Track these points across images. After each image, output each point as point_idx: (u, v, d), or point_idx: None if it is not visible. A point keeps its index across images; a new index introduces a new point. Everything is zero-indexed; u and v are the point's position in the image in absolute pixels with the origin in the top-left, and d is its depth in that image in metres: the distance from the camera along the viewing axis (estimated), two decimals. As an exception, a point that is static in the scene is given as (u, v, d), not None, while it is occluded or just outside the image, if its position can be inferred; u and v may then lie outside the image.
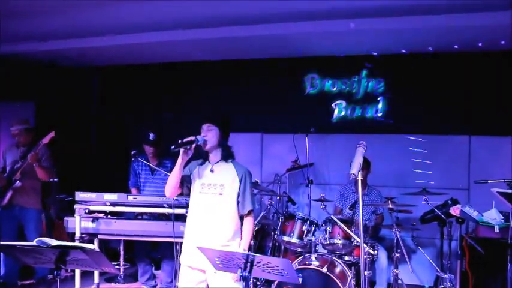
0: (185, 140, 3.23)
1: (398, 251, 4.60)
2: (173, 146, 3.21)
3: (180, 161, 3.28)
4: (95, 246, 2.79)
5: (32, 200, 5.61)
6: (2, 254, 5.47)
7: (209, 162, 3.45)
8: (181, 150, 3.24)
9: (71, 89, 7.48)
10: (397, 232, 4.56)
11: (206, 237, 3.32)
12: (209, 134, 3.34)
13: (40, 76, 7.24)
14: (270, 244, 5.69)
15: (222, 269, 2.85)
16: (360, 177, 3.00)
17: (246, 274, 2.67)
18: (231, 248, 3.34)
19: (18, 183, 5.42)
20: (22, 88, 7.14)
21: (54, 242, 2.79)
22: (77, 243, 2.82)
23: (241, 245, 3.39)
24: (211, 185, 3.38)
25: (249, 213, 3.45)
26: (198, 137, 3.30)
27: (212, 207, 3.36)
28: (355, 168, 3.00)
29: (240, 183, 3.42)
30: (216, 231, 3.34)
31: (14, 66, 6.93)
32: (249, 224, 3.46)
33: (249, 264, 2.66)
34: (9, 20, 5.71)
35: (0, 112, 7.09)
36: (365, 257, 4.43)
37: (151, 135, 5.31)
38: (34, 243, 2.80)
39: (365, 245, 4.48)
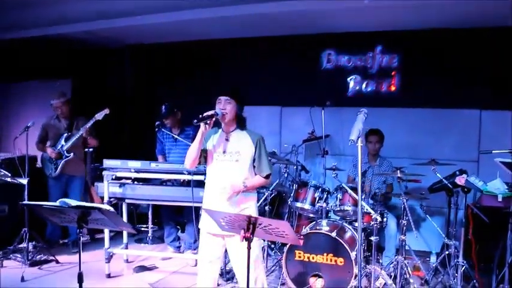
0: (206, 114, 3.19)
1: (406, 218, 4.48)
2: (195, 120, 3.18)
3: (200, 135, 3.25)
4: (110, 207, 2.76)
5: (78, 168, 5.78)
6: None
7: (223, 131, 3.42)
8: (202, 124, 3.20)
9: (105, 66, 7.51)
10: (405, 200, 4.43)
11: (224, 203, 3.30)
12: (228, 107, 3.31)
13: (77, 55, 7.29)
14: (287, 210, 5.64)
15: (227, 229, 2.83)
16: (359, 144, 2.89)
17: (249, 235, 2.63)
18: (246, 212, 3.31)
19: (71, 155, 5.55)
20: (60, 67, 7.23)
21: (74, 203, 2.82)
22: (94, 204, 2.82)
23: (246, 182, 3.35)
24: (227, 152, 3.36)
25: (267, 177, 3.44)
26: (217, 110, 3.28)
27: (229, 174, 3.33)
28: (355, 134, 2.92)
29: (255, 149, 3.40)
30: (232, 202, 3.33)
31: (53, 47, 7.00)
32: (263, 180, 3.44)
33: (251, 225, 2.62)
34: (46, 4, 5.77)
35: (41, 89, 7.22)
36: (374, 223, 4.33)
37: (162, 109, 5.31)
38: (57, 203, 2.83)
39: (374, 212, 4.37)
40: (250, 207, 3.41)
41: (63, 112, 5.66)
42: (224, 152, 3.36)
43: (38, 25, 6.59)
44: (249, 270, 3.08)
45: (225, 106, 3.29)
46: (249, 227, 2.62)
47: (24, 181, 4.45)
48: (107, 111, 5.35)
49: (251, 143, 3.39)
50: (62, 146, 5.57)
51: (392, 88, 6.18)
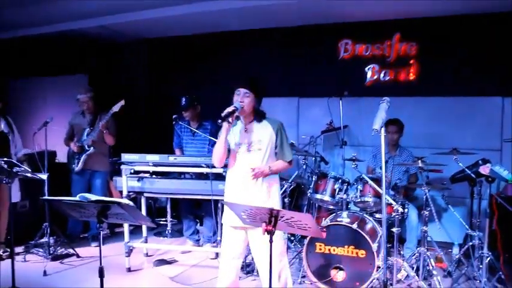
0: (227, 111, 3.14)
1: (428, 209, 4.38)
2: (219, 121, 3.14)
3: (225, 132, 3.20)
4: (130, 201, 2.73)
5: (101, 163, 5.77)
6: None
7: (242, 122, 3.36)
8: (226, 122, 3.15)
9: (120, 60, 7.49)
10: (427, 191, 4.33)
11: (248, 195, 3.25)
12: (246, 100, 3.24)
13: (92, 50, 7.29)
14: (306, 202, 5.58)
15: (248, 223, 2.77)
16: (382, 133, 2.81)
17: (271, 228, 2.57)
18: (269, 204, 3.25)
19: (92, 149, 5.55)
20: (77, 62, 7.23)
21: (94, 197, 2.79)
22: (113, 198, 2.79)
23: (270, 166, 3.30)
24: (249, 143, 3.30)
25: (290, 162, 3.42)
26: (235, 104, 3.21)
27: (252, 164, 3.26)
28: (378, 123, 2.84)
29: (277, 136, 3.35)
30: (257, 187, 3.27)
31: (69, 43, 7.00)
32: (286, 164, 3.40)
33: (273, 218, 2.56)
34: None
35: (58, 84, 7.24)
36: (395, 214, 4.25)
37: (182, 101, 5.27)
38: (77, 198, 2.81)
39: (396, 203, 4.28)
40: (274, 191, 3.36)
41: (89, 107, 5.67)
42: (246, 143, 3.30)
43: (54, 21, 6.61)
44: (272, 263, 3.06)
45: (243, 99, 3.22)
46: (271, 220, 2.56)
47: (44, 176, 4.45)
48: (122, 102, 5.33)
49: (272, 131, 3.33)
50: (84, 140, 5.58)
51: (411, 77, 6.05)
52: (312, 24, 6.38)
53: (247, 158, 3.30)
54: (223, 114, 3.13)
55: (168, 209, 6.29)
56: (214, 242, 5.29)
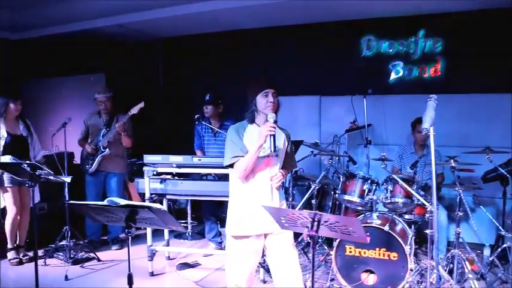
0: (272, 125, 2.90)
1: (461, 209, 4.23)
2: (275, 148, 2.94)
3: (259, 147, 2.92)
4: (162, 205, 2.61)
5: (116, 165, 5.66)
6: (86, 217, 5.54)
7: (257, 124, 3.08)
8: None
9: (139, 59, 7.40)
10: (461, 191, 4.18)
11: (267, 199, 3.05)
12: (275, 101, 3.02)
13: (110, 50, 7.21)
14: (330, 203, 5.44)
15: (287, 228, 2.63)
16: (432, 132, 2.67)
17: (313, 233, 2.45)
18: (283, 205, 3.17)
19: (107, 151, 5.44)
20: (94, 62, 7.16)
21: (122, 202, 2.68)
22: (144, 203, 2.67)
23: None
24: (268, 148, 3.00)
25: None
26: (271, 115, 2.95)
27: (269, 169, 3.07)
28: (428, 122, 2.68)
29: (288, 143, 3.19)
30: (274, 192, 3.09)
31: (87, 42, 6.92)
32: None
33: (315, 223, 2.43)
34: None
35: (76, 84, 7.17)
36: (428, 216, 4.09)
37: (208, 95, 5.19)
38: (105, 202, 2.70)
39: (428, 204, 4.13)
40: (283, 200, 3.22)
41: (106, 107, 5.56)
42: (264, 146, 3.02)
43: (71, 20, 6.55)
44: (296, 267, 3.07)
45: (274, 100, 3.00)
46: (313, 224, 2.43)
47: (67, 179, 4.35)
48: (141, 105, 5.21)
49: (284, 138, 3.18)
50: (99, 141, 5.48)
51: (437, 74, 5.88)
52: (333, 21, 6.23)
53: (265, 164, 3.06)
54: (269, 130, 2.88)
55: (189, 211, 6.18)
56: (237, 245, 5.16)
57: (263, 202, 2.98)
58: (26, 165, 3.67)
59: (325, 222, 2.39)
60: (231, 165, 3.04)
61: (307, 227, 2.45)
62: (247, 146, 3.01)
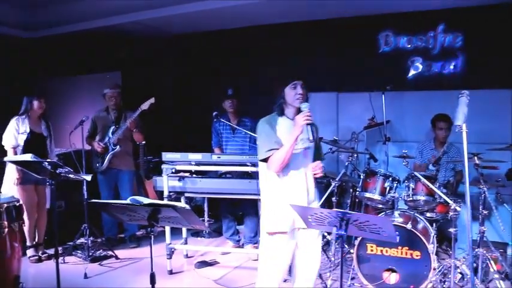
0: (309, 116, 2.85)
1: (486, 207, 4.15)
2: (313, 137, 2.90)
3: (296, 138, 2.86)
4: (186, 204, 2.58)
5: (127, 162, 5.63)
6: (102, 215, 5.54)
7: (287, 117, 3.04)
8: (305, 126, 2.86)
9: (155, 57, 7.37)
10: (485, 189, 4.11)
11: (302, 194, 2.99)
12: (304, 92, 2.97)
13: (126, 47, 7.19)
14: (348, 201, 5.38)
15: (314, 227, 2.59)
16: (465, 129, 2.60)
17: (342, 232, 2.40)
18: (314, 204, 3.10)
19: (118, 148, 5.41)
20: (109, 59, 7.14)
21: (146, 200, 2.66)
22: (169, 202, 2.65)
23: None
24: (300, 140, 2.97)
25: None
26: (304, 105, 2.92)
27: (304, 163, 3.02)
28: (460, 119, 2.62)
29: (317, 135, 3.12)
30: (309, 187, 3.04)
31: (102, 40, 6.91)
32: None
33: (344, 222, 2.38)
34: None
35: (92, 82, 7.16)
36: (452, 214, 4.02)
37: (230, 90, 5.18)
38: (128, 201, 2.68)
39: (452, 202, 4.06)
40: (317, 198, 3.18)
41: (116, 103, 5.51)
42: (302, 140, 3.00)
43: (86, 18, 6.53)
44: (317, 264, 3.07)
45: (303, 92, 2.96)
46: (342, 224, 2.38)
47: (87, 177, 4.34)
48: (152, 100, 5.19)
49: (314, 129, 3.07)
50: (109, 138, 5.43)
51: (457, 69, 5.77)
52: (350, 17, 6.13)
53: (301, 157, 3.02)
54: (309, 121, 2.84)
55: (205, 208, 6.16)
56: (255, 243, 5.13)
57: (299, 197, 2.96)
58: (46, 163, 3.66)
59: (355, 221, 2.35)
60: (265, 160, 2.96)
61: (336, 226, 2.40)
62: (281, 139, 2.95)
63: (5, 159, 4.46)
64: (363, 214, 2.34)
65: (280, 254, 2.99)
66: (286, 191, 2.99)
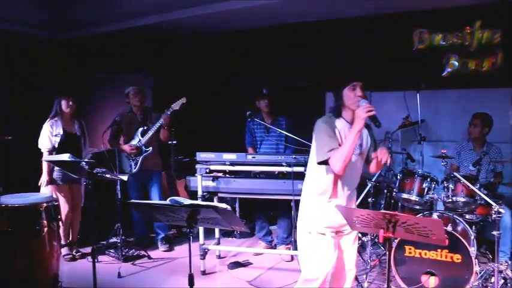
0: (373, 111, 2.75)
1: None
2: (379, 123, 2.85)
3: (358, 135, 2.75)
4: (226, 205, 2.54)
5: (155, 163, 5.59)
6: (133, 215, 5.55)
7: (345, 119, 2.92)
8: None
9: (188, 59, 7.36)
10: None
11: (350, 199, 2.92)
12: (363, 95, 2.89)
13: (158, 48, 7.19)
14: (383, 202, 5.28)
15: (359, 229, 2.53)
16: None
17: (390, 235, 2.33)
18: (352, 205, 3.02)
19: (150, 149, 5.37)
20: (139, 60, 7.16)
21: (186, 201, 2.64)
22: (210, 203, 2.62)
23: None
24: (359, 145, 2.86)
25: None
26: (361, 100, 2.84)
27: (356, 171, 2.91)
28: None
29: (372, 138, 3.03)
30: (355, 193, 2.98)
31: (132, 40, 6.93)
32: None
33: (391, 224, 2.32)
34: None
35: (123, 83, 7.18)
36: (495, 216, 3.89)
37: (265, 89, 5.16)
38: (167, 202, 2.66)
39: (495, 204, 3.93)
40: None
41: (140, 101, 5.45)
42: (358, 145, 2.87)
43: (114, 20, 6.56)
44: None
45: (362, 94, 2.86)
46: (389, 226, 2.32)
47: (124, 177, 4.36)
48: (183, 100, 5.13)
49: (367, 133, 3.02)
50: (140, 140, 5.35)
51: (495, 67, 5.59)
52: (383, 13, 5.98)
53: (353, 164, 2.86)
54: (371, 112, 2.75)
55: (237, 209, 6.13)
56: (288, 244, 5.08)
57: (344, 199, 2.87)
58: (84, 163, 3.68)
59: (403, 223, 2.28)
60: (324, 162, 2.79)
61: (383, 228, 2.33)
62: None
63: (43, 159, 4.50)
64: (412, 216, 2.27)
65: (326, 255, 2.86)
66: (336, 193, 2.88)
